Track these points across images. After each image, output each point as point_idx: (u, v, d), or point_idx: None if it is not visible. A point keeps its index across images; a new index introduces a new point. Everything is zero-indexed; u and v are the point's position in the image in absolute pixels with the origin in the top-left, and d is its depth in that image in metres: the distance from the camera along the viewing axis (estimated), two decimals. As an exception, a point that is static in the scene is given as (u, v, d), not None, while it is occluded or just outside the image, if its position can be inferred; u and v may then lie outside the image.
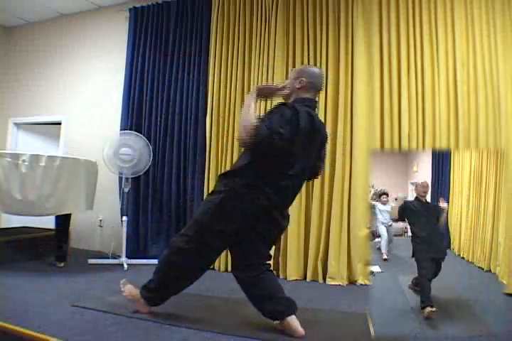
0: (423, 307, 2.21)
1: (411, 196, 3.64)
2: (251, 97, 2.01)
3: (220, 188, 2.04)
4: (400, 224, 3.37)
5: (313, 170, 2.23)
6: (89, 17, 4.95)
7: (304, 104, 2.05)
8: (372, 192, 3.52)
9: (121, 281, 2.27)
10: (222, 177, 2.10)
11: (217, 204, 2.00)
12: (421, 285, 2.32)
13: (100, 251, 4.20)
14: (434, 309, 2.08)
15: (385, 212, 3.28)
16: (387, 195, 3.28)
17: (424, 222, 2.51)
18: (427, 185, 2.55)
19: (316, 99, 2.21)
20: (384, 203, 3.26)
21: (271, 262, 2.16)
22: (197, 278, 2.16)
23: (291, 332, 1.95)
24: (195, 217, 2.14)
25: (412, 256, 2.52)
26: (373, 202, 3.37)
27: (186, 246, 2.05)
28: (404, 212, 2.64)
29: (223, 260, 3.53)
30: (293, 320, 1.97)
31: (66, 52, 5.05)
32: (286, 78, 2.27)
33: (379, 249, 3.29)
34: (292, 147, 1.93)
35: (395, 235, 3.33)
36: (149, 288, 2.16)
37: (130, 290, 2.23)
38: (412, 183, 3.65)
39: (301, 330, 1.95)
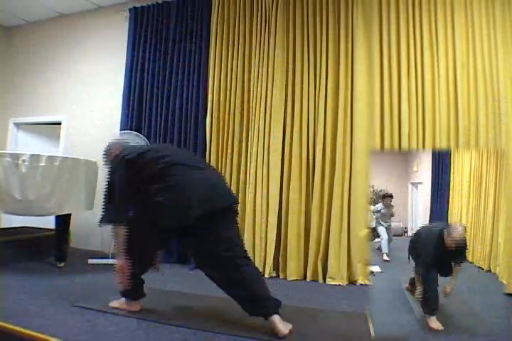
0: (429, 314, 2.19)
1: (410, 196, 3.64)
2: None
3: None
4: (400, 224, 3.37)
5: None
6: (89, 17, 4.95)
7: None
8: (372, 191, 3.50)
9: (109, 304, 2.33)
10: None
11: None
12: (430, 296, 2.23)
13: (100, 251, 4.19)
14: (442, 327, 2.07)
15: (385, 214, 3.23)
16: (391, 196, 3.22)
17: None
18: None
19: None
20: (387, 206, 3.22)
21: (247, 253, 2.14)
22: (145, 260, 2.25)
23: (276, 330, 1.94)
24: None
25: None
26: (373, 207, 3.32)
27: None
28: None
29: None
30: (277, 319, 1.95)
31: (66, 52, 5.06)
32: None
33: (379, 249, 3.28)
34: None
35: (395, 235, 3.33)
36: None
37: (115, 302, 2.32)
38: (412, 183, 3.65)
39: (284, 331, 1.93)
